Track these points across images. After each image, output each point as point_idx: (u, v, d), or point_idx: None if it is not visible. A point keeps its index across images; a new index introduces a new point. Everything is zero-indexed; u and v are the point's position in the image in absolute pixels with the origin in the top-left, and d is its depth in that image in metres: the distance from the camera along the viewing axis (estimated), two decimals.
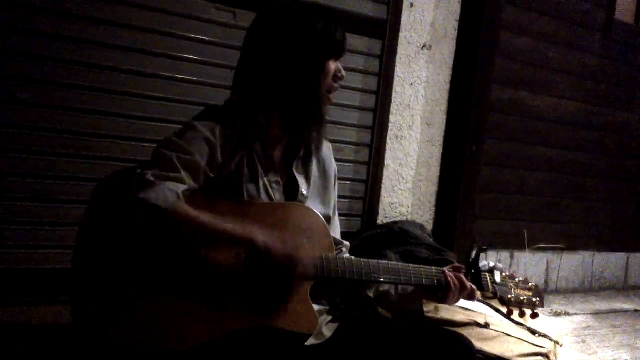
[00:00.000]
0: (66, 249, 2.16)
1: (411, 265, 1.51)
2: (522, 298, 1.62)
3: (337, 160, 1.69)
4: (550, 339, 2.36)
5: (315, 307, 1.42)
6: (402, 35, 3.02)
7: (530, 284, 1.66)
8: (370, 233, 2.86)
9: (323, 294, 1.53)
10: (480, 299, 2.37)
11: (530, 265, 3.88)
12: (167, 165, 1.29)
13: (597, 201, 4.20)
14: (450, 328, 1.81)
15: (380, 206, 3.06)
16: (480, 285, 1.58)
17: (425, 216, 3.27)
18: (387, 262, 1.49)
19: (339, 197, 1.74)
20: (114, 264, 1.27)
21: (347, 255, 1.62)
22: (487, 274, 1.62)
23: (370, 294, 1.56)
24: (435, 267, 1.53)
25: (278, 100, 1.44)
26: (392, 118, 3.05)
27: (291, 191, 1.50)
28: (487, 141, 3.46)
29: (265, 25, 1.46)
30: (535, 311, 1.63)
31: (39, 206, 2.21)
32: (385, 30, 2.97)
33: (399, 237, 2.76)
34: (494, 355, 2.15)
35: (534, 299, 1.63)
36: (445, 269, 1.54)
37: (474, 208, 3.39)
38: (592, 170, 4.13)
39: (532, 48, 3.69)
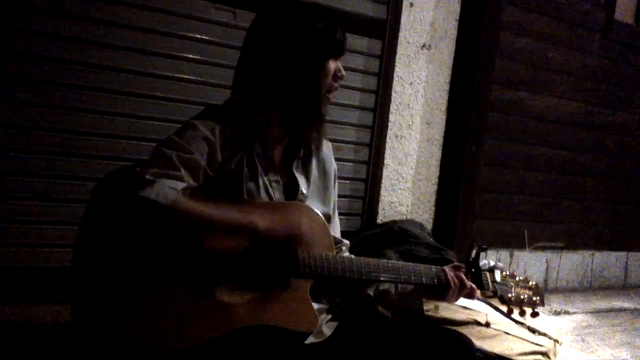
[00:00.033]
0: (66, 248, 2.16)
1: (411, 264, 1.51)
2: (522, 297, 1.62)
3: (336, 159, 1.69)
4: (550, 338, 2.36)
5: (315, 305, 1.42)
6: (401, 35, 3.03)
7: (530, 283, 1.66)
8: (370, 232, 2.86)
9: (323, 292, 1.54)
10: (481, 297, 2.37)
11: (530, 264, 3.88)
12: (167, 164, 1.29)
13: (596, 201, 4.20)
14: (450, 327, 1.81)
15: (380, 205, 3.06)
16: (480, 284, 1.58)
17: (424, 215, 3.28)
18: (386, 260, 1.49)
19: (339, 196, 1.74)
20: (114, 263, 1.27)
21: (346, 254, 1.62)
22: (487, 273, 1.62)
23: (370, 292, 1.56)
24: (435, 266, 1.54)
25: (278, 100, 1.44)
26: (391, 117, 3.06)
27: (291, 190, 1.50)
28: (487, 141, 3.47)
29: (265, 25, 1.46)
30: (536, 310, 1.63)
31: (39, 205, 2.21)
32: (384, 30, 2.97)
33: (398, 236, 2.76)
34: (494, 353, 2.15)
35: (534, 298, 1.63)
36: (445, 267, 1.54)
37: (473, 207, 3.39)
38: (592, 170, 4.13)
39: (532, 48, 3.69)
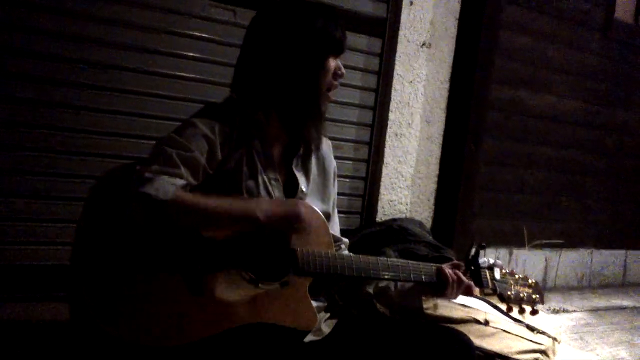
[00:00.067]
0: (66, 246, 2.16)
1: (410, 262, 1.52)
2: (521, 295, 1.62)
3: (336, 157, 1.69)
4: (549, 336, 2.37)
5: (314, 303, 1.42)
6: (401, 33, 3.03)
7: (530, 281, 1.65)
8: (369, 230, 2.86)
9: (322, 290, 1.54)
10: (480, 295, 2.37)
11: (529, 262, 3.88)
12: (167, 161, 1.29)
13: (596, 200, 4.20)
14: (449, 325, 1.81)
15: (379, 203, 3.06)
16: (479, 282, 1.58)
17: (424, 214, 3.28)
18: (386, 259, 1.50)
19: (338, 194, 1.74)
20: (113, 261, 1.27)
21: (346, 252, 1.62)
22: (487, 271, 1.61)
23: (370, 290, 1.57)
24: (434, 264, 1.54)
25: (277, 98, 1.44)
26: (391, 116, 3.06)
27: (290, 189, 1.50)
28: (487, 140, 3.47)
29: (265, 23, 1.46)
30: (535, 308, 1.63)
31: (39, 203, 2.21)
32: (384, 28, 2.97)
33: (397, 234, 2.76)
34: (493, 352, 2.16)
35: (533, 296, 1.63)
36: (444, 265, 1.55)
37: (473, 206, 3.39)
38: (591, 169, 4.14)
39: (532, 47, 3.69)
